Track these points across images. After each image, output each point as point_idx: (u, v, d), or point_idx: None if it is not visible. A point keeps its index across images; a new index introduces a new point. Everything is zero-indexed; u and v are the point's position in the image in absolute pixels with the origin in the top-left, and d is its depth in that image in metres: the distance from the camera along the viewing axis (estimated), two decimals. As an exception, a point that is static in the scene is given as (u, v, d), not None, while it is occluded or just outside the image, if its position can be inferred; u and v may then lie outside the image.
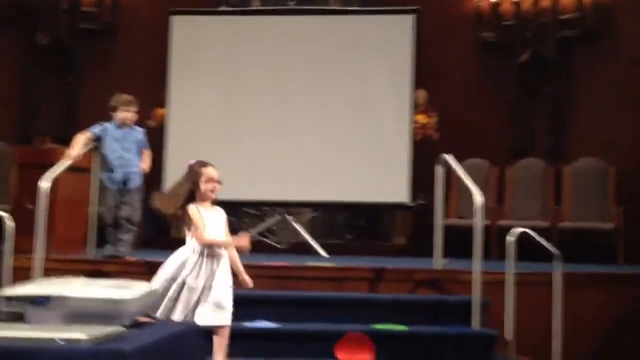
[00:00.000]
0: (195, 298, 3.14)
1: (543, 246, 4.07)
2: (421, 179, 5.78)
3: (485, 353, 3.81)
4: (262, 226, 5.97)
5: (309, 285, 4.15)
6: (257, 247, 5.77)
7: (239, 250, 3.31)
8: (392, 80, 5.71)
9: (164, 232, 6.52)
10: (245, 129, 5.77)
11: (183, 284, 3.16)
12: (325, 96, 5.78)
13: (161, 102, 6.08)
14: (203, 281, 3.17)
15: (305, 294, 4.04)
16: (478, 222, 4.00)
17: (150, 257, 4.55)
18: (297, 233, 5.71)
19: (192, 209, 3.24)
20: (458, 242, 5.34)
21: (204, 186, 3.27)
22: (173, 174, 5.80)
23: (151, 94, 6.00)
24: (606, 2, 6.44)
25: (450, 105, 6.60)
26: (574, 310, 4.12)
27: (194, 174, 3.30)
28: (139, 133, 4.56)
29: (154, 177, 5.54)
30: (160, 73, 6.06)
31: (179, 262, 3.23)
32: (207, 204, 3.30)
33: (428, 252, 4.69)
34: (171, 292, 3.13)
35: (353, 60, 5.79)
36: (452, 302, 4.12)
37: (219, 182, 3.33)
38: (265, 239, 5.87)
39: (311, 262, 4.53)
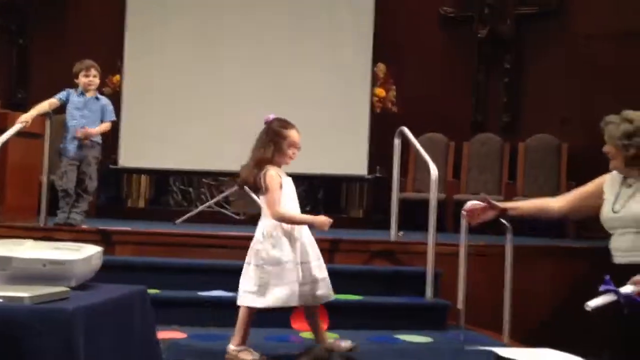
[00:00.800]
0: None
1: (496, 219, 4.15)
2: (380, 152, 5.83)
3: (437, 322, 3.89)
4: (220, 196, 5.93)
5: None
6: (214, 217, 5.79)
7: (317, 228, 3.02)
8: (353, 53, 5.71)
9: (119, 202, 6.45)
10: (204, 97, 5.70)
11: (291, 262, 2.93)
12: (284, 69, 5.74)
13: (117, 69, 5.95)
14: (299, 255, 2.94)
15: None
16: (433, 194, 4.05)
17: (103, 225, 4.51)
18: (255, 204, 5.69)
19: (272, 173, 2.89)
20: (415, 214, 5.43)
21: (286, 150, 2.96)
22: (128, 144, 5.74)
23: (107, 60, 5.86)
24: (563, -20, 6.56)
25: (410, 79, 6.63)
26: (525, 282, 4.23)
27: (274, 134, 2.98)
28: (103, 103, 4.48)
29: (109, 147, 5.47)
30: (116, 39, 5.92)
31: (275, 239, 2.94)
32: (282, 170, 3.00)
33: (385, 225, 4.74)
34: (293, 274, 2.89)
35: (314, 34, 5.76)
36: (407, 273, 4.19)
37: (299, 147, 3.00)
38: (223, 210, 5.84)
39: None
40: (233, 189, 5.90)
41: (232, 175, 5.95)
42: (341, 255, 4.25)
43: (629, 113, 2.82)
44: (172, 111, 5.62)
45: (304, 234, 3.06)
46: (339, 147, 5.68)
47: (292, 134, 3.00)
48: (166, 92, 5.70)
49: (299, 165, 5.62)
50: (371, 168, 6.11)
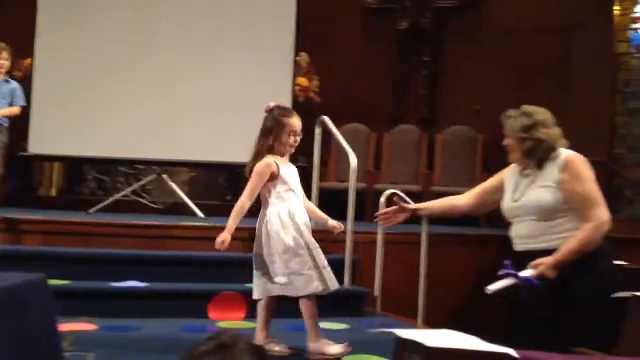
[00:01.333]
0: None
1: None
2: (302, 142, 5.81)
3: (355, 309, 3.93)
4: (137, 185, 5.78)
5: (181, 245, 4.08)
6: (131, 207, 5.64)
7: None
8: (275, 42, 5.65)
9: (29, 190, 6.18)
10: (120, 83, 5.51)
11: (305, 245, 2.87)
12: (206, 55, 5.62)
13: (28, 51, 5.68)
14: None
15: (176, 253, 3.98)
16: (352, 183, 4.08)
17: (10, 214, 4.31)
18: (174, 193, 5.58)
19: (264, 161, 2.82)
20: (337, 204, 5.47)
21: (285, 139, 2.89)
22: (38, 130, 5.49)
23: (18, 43, 5.59)
24: (481, -25, 6.74)
25: (333, 70, 6.66)
26: (439, 269, 4.33)
27: (274, 122, 2.89)
28: (12, 86, 4.27)
29: (19, 133, 5.22)
30: (27, 20, 5.64)
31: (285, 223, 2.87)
32: (284, 158, 2.94)
33: (307, 214, 4.73)
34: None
35: (235, 22, 5.66)
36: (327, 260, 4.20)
37: (300, 134, 2.94)
38: (140, 199, 5.69)
39: (184, 222, 4.45)
40: (150, 177, 5.77)
41: (149, 163, 5.83)
42: (260, 244, 4.21)
43: (528, 107, 2.95)
44: (87, 97, 5.42)
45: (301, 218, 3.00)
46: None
47: (292, 122, 2.93)
48: (80, 77, 5.49)
49: (220, 154, 5.64)
50: (294, 157, 6.09)
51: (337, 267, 4.02)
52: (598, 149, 6.23)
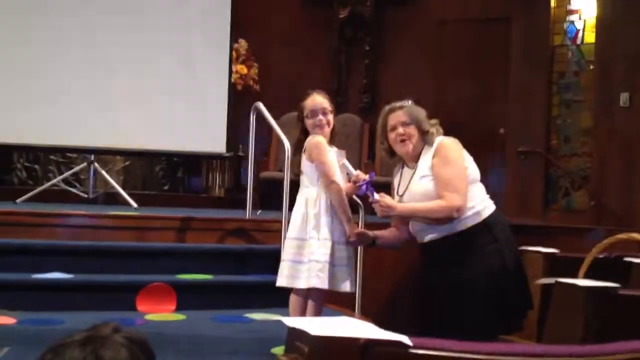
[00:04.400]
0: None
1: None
2: (242, 131, 5.72)
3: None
4: (66, 174, 5.57)
5: (109, 236, 3.94)
6: (62, 196, 5.43)
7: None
8: (212, 28, 5.52)
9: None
10: (52, 68, 5.27)
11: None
12: (141, 40, 5.44)
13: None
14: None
15: (103, 243, 3.84)
16: (287, 172, 4.01)
17: None
18: (107, 182, 5.41)
19: (317, 138, 2.73)
20: (278, 194, 5.39)
21: (308, 122, 2.80)
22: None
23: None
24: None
25: (272, 57, 6.57)
26: (376, 259, 4.32)
27: (298, 111, 2.84)
28: None
29: None
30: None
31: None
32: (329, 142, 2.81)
33: (246, 204, 4.66)
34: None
35: (170, 6, 5.51)
36: (260, 251, 4.14)
37: (325, 111, 2.81)
38: (70, 189, 5.49)
39: (112, 212, 4.31)
40: (81, 166, 5.58)
41: (81, 152, 5.62)
42: (193, 233, 4.12)
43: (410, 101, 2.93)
44: (16, 83, 5.17)
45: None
46: (197, 124, 5.49)
47: (309, 103, 2.85)
48: (8, 62, 5.23)
49: (156, 143, 5.49)
50: (234, 147, 6.01)
51: (271, 258, 3.98)
52: (535, 140, 6.34)
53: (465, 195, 2.71)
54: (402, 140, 2.83)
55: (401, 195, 2.89)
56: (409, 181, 2.86)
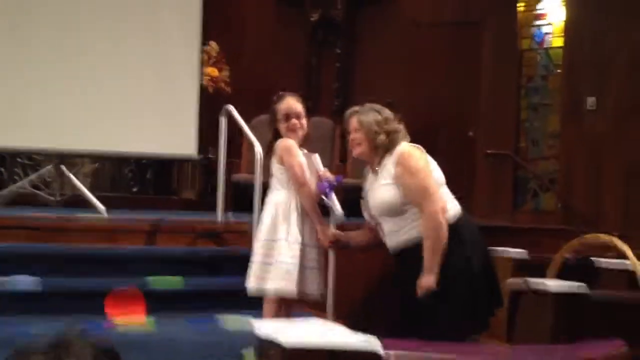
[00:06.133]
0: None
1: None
2: (213, 134, 5.69)
3: (261, 304, 3.84)
4: (32, 176, 5.47)
5: (79, 239, 3.87)
6: (28, 199, 5.33)
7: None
8: (181, 30, 5.46)
9: None
10: (18, 68, 5.17)
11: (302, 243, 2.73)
12: (109, 40, 5.37)
13: None
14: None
15: (70, 248, 3.76)
16: (257, 174, 4.00)
17: None
18: (75, 185, 5.31)
19: (287, 142, 2.74)
20: (249, 197, 5.37)
21: (282, 126, 2.79)
22: None
23: None
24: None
25: (245, 60, 6.54)
26: (347, 261, 4.31)
27: (270, 114, 2.83)
28: None
29: None
30: None
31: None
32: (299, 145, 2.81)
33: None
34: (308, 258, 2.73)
35: (139, 6, 5.44)
36: (231, 253, 4.11)
37: (300, 115, 2.82)
38: (37, 192, 5.39)
39: (82, 215, 4.24)
40: (47, 168, 5.47)
41: (48, 155, 5.52)
42: (163, 237, 4.07)
43: (374, 104, 2.97)
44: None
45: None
46: (167, 127, 5.43)
47: (282, 106, 2.87)
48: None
49: (125, 145, 5.41)
50: (202, 148, 5.95)
51: (242, 261, 3.95)
52: (504, 143, 6.42)
53: (438, 196, 2.75)
54: (353, 145, 2.94)
55: (364, 199, 2.97)
56: (371, 187, 2.91)
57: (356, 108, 2.99)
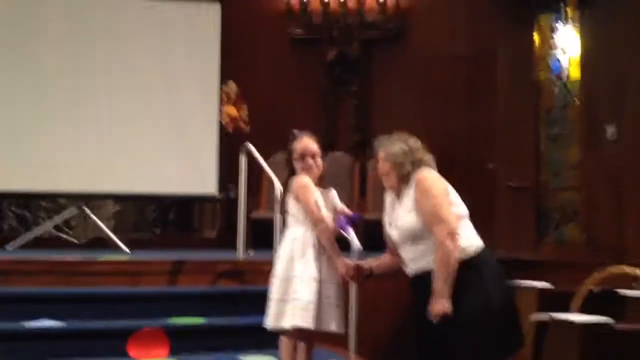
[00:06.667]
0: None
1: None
2: (233, 172, 5.75)
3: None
4: (56, 219, 5.55)
5: (102, 281, 3.91)
6: (53, 243, 5.41)
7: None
8: (200, 70, 5.59)
9: None
10: (41, 113, 5.29)
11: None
12: (131, 84, 5.50)
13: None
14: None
15: (95, 290, 3.80)
16: (277, 212, 4.02)
17: None
18: (98, 227, 5.38)
19: (303, 179, 2.75)
20: (269, 234, 5.39)
21: (297, 165, 2.81)
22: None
23: None
24: (405, 8, 6.91)
25: (261, 99, 6.62)
26: (370, 297, 4.29)
27: (288, 154, 2.85)
28: None
29: None
30: None
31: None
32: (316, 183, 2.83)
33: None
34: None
35: (159, 49, 5.57)
36: (253, 292, 4.10)
37: (315, 155, 2.83)
38: (61, 234, 5.47)
39: (105, 257, 4.28)
40: (71, 211, 5.54)
41: (71, 197, 5.60)
42: (185, 277, 4.10)
43: (401, 134, 2.98)
44: (3, 129, 5.19)
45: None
46: (187, 166, 5.52)
47: (298, 146, 2.88)
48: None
49: (146, 186, 5.48)
50: (222, 187, 6.01)
51: (264, 299, 3.94)
52: (524, 175, 6.38)
53: (451, 221, 2.75)
54: (381, 175, 2.97)
55: (390, 225, 2.95)
56: (397, 214, 2.90)
57: (383, 138, 3.00)
